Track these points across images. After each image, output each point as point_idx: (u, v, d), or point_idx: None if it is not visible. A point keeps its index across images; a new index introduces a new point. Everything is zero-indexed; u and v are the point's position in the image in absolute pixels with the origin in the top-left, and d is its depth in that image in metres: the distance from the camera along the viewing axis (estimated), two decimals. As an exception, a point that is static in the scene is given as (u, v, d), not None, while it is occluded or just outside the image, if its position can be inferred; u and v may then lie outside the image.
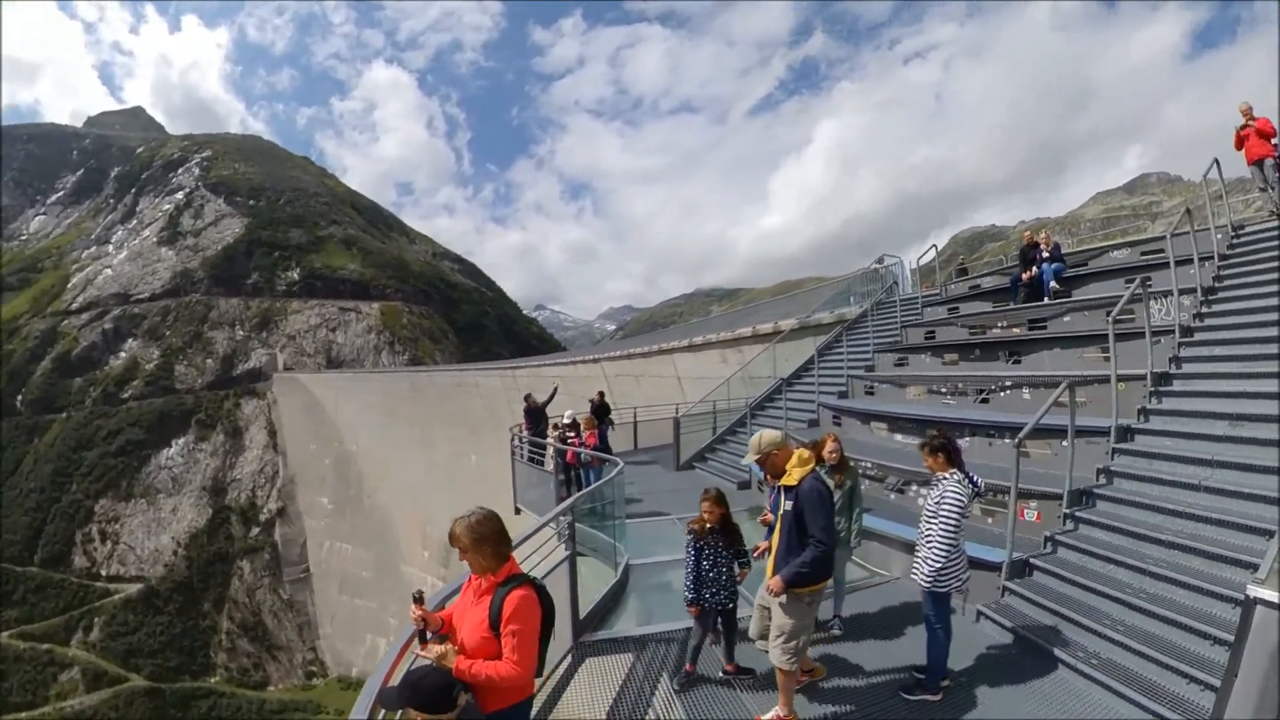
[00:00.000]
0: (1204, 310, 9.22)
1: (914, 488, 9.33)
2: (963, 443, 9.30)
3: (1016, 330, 12.07)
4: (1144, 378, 8.35)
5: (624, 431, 19.70)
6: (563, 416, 14.01)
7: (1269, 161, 12.00)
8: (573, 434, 13.38)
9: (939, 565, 5.03)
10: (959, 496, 5.07)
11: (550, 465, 13.32)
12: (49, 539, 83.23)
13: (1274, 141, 12.11)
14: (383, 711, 3.02)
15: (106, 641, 74.28)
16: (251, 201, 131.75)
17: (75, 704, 67.74)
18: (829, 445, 6.63)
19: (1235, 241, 10.64)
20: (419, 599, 3.27)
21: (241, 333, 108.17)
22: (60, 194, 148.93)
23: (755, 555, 5.47)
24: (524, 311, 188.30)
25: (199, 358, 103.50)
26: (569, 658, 6.08)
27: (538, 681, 4.01)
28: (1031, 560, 6.79)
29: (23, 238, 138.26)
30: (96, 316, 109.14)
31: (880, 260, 20.88)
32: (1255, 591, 3.02)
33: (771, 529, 4.97)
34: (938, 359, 13.07)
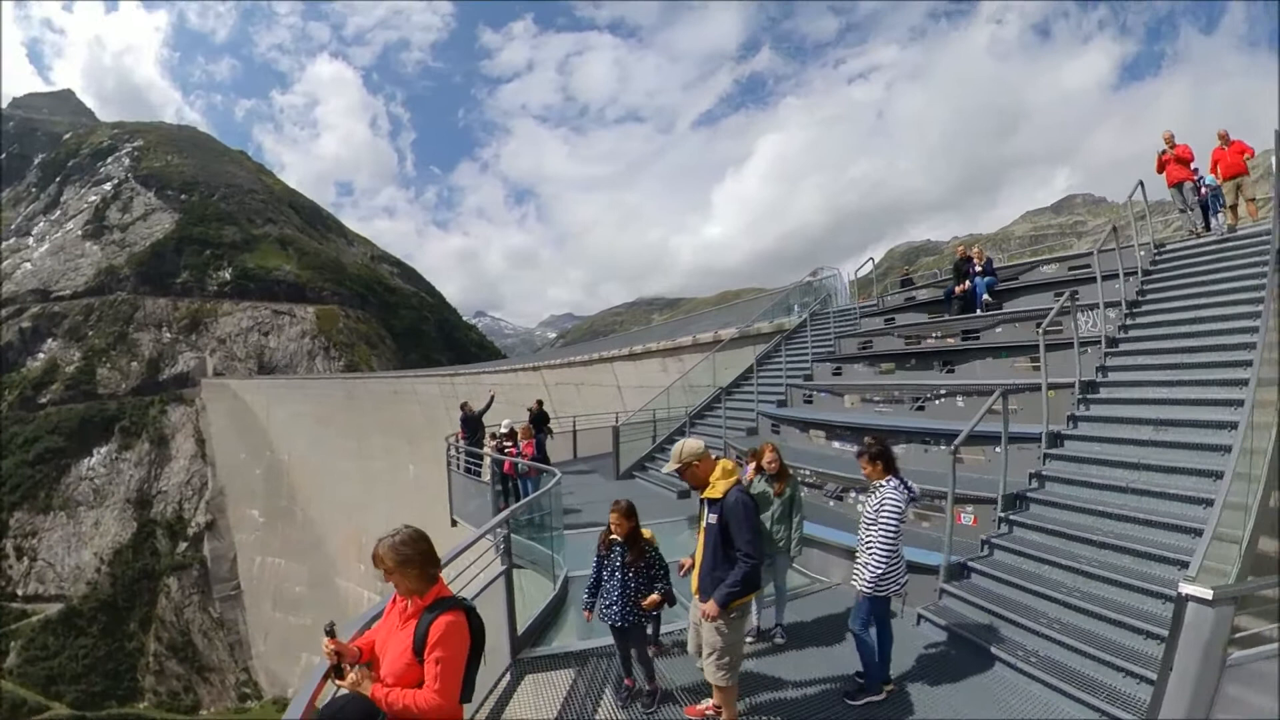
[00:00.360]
0: (1128, 322, 9.66)
1: (852, 494, 9.43)
2: (899, 449, 9.47)
3: (951, 341, 12.35)
4: (1073, 386, 8.71)
5: (563, 440, 19.50)
6: (500, 426, 13.75)
7: (1188, 185, 12.78)
8: (510, 444, 13.15)
9: (880, 571, 5.05)
10: (897, 503, 5.11)
11: (487, 476, 13.03)
12: (-43, 555, 77.51)
13: (1192, 167, 12.79)
14: None
15: (25, 667, 68.80)
16: (184, 196, 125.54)
17: (-7, 737, 62.88)
18: (768, 455, 6.58)
19: (1157, 258, 11.18)
20: (330, 632, 3.01)
21: (169, 335, 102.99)
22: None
23: (681, 572, 5.32)
24: (464, 318, 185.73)
25: (123, 360, 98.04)
26: (508, 675, 5.87)
27: (473, 705, 3.81)
28: (969, 563, 6.93)
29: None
30: (13, 314, 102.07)
31: (817, 272, 21.25)
32: (1186, 589, 3.15)
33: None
34: (874, 368, 13.36)
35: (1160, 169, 12.96)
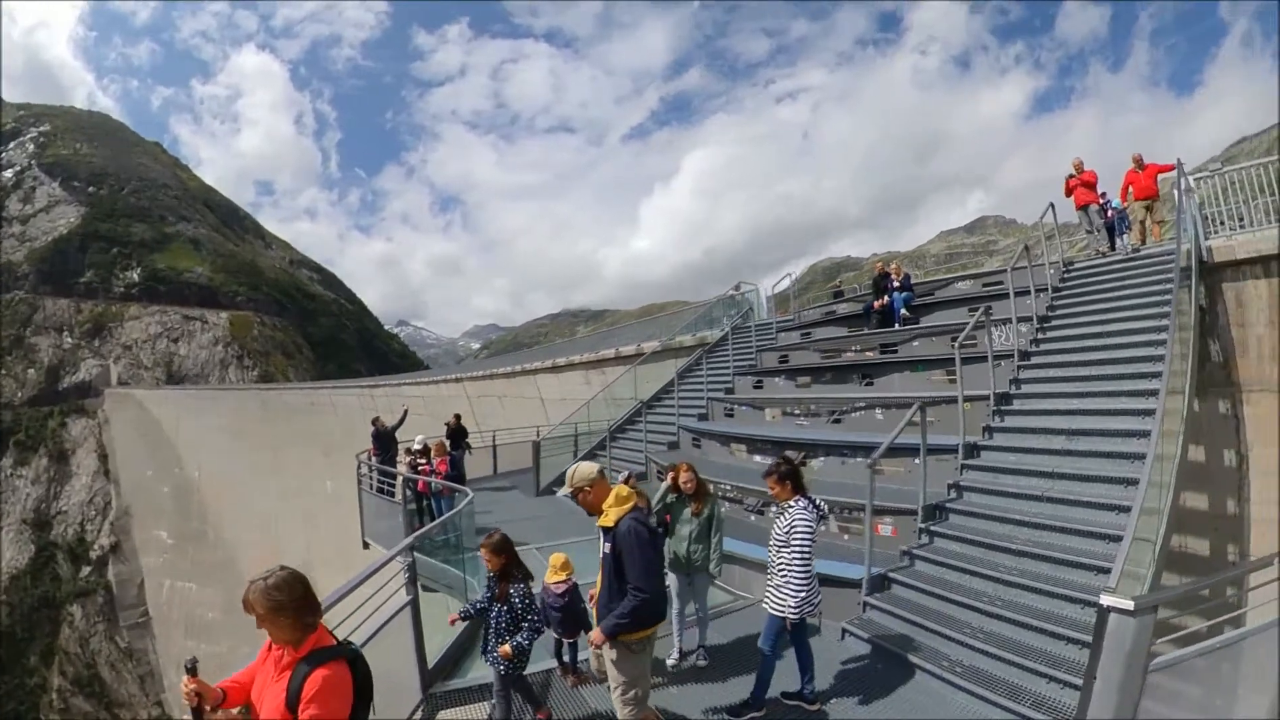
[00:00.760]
0: (1039, 336, 9.97)
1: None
2: (817, 462, 9.47)
3: (869, 354, 12.53)
4: (988, 398, 8.89)
5: (484, 455, 18.93)
6: (414, 442, 13.20)
7: (1094, 208, 13.48)
8: (424, 460, 12.64)
9: (803, 595, 4.95)
10: (808, 523, 5.03)
11: (399, 495, 12.47)
12: None
13: (1099, 191, 13.32)
14: None
15: (-91, 710, 63.12)
16: (91, 188, 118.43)
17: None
18: (683, 475, 6.26)
19: (1065, 276, 11.58)
20: (191, 669, 2.62)
21: (70, 340, 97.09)
22: None
23: (591, 601, 5.01)
24: (386, 327, 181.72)
25: (19, 367, 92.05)
26: (419, 712, 5.47)
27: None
28: (890, 575, 6.93)
29: None
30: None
31: (739, 286, 21.37)
32: (1108, 601, 3.27)
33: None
34: (793, 381, 13.45)
35: (1069, 192, 13.54)
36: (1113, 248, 13.30)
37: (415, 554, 5.75)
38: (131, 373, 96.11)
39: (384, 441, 14.72)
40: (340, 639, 2.87)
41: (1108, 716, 3.23)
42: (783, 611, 5.01)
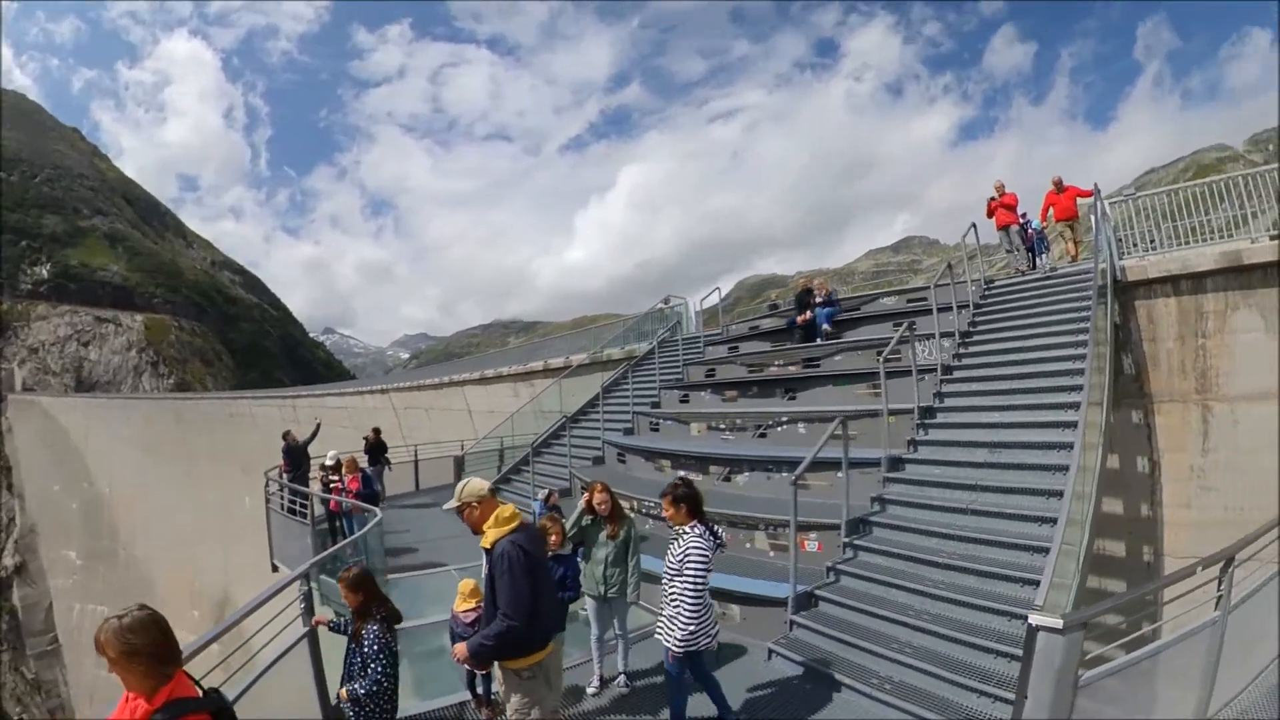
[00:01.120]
0: (962, 351, 10.15)
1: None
2: (742, 478, 9.35)
3: (793, 369, 12.56)
4: (912, 411, 8.96)
5: (405, 471, 18.26)
6: (325, 458, 12.59)
7: (1014, 228, 14.02)
8: (335, 477, 12.06)
9: (692, 629, 4.70)
10: (704, 552, 4.79)
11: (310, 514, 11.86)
12: None
13: (1019, 213, 13.74)
14: None
15: None
16: (1, 174, 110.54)
17: None
18: (598, 495, 5.99)
19: (986, 293, 11.86)
20: None
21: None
22: None
23: None
24: (311, 334, 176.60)
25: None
26: None
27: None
28: (816, 591, 6.81)
29: None
30: None
31: (667, 300, 21.35)
32: (1036, 620, 3.28)
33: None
34: (719, 396, 13.39)
35: (990, 213, 13.97)
36: (1033, 266, 13.80)
37: (323, 578, 5.27)
38: (38, 378, 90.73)
39: (295, 457, 14.03)
40: (207, 687, 2.50)
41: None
42: (669, 644, 4.78)
